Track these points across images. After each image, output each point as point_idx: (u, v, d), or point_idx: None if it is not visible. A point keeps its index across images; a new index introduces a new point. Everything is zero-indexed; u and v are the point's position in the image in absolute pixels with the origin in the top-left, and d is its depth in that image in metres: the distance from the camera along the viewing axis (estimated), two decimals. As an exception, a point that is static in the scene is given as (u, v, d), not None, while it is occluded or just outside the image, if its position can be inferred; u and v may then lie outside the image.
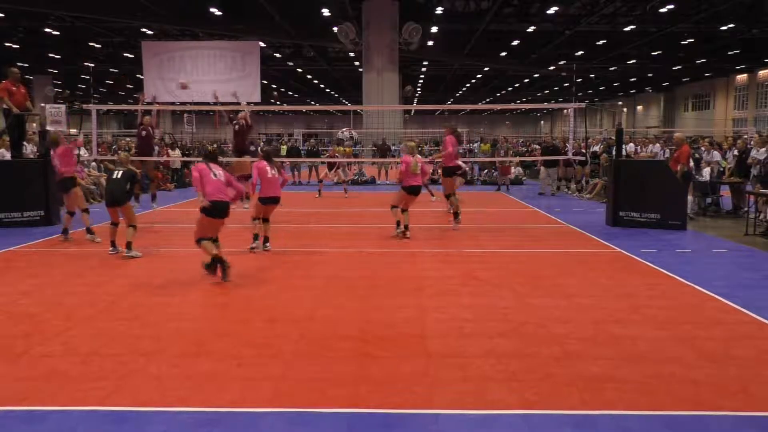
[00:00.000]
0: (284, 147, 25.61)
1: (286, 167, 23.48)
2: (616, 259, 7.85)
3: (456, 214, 10.26)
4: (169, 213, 12.84)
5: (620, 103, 58.71)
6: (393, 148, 23.72)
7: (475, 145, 28.93)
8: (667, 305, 5.69)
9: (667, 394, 3.74)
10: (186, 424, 3.39)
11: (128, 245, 7.83)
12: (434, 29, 27.38)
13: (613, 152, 11.69)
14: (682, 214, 10.16)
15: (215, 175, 6.64)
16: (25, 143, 11.86)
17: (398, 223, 9.33)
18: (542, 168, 17.22)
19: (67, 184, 9.01)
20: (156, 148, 14.38)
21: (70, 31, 29.21)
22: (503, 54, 35.56)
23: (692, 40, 31.05)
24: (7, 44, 31.31)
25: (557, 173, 16.93)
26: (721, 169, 13.69)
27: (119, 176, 7.82)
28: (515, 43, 31.67)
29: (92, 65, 34.84)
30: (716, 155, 13.74)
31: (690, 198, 11.35)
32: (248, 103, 25.29)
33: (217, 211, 6.51)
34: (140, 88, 29.13)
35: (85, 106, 14.09)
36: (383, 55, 24.88)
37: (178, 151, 20.47)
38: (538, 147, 24.13)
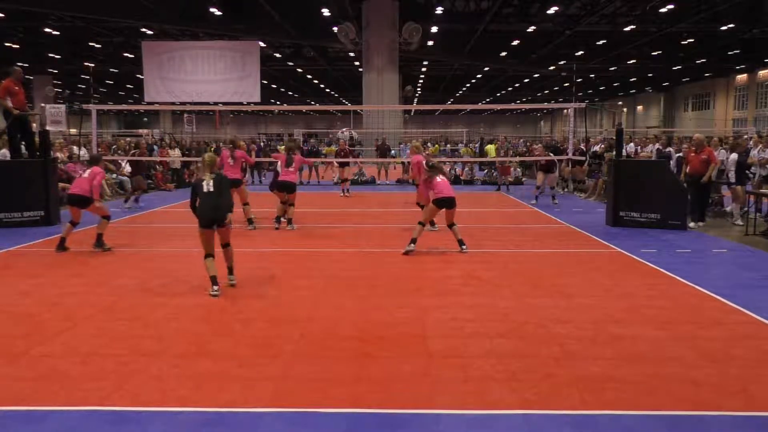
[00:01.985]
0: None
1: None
2: (616, 259, 7.85)
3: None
4: (169, 213, 12.84)
5: (620, 103, 58.73)
6: (394, 150, 23.65)
7: (460, 146, 29.06)
8: (667, 305, 5.69)
9: (667, 394, 3.74)
10: (186, 424, 3.39)
11: (230, 270, 6.40)
12: (434, 29, 27.39)
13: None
14: (682, 214, 10.14)
15: (82, 174, 8.28)
16: (23, 143, 11.80)
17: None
18: (539, 174, 17.13)
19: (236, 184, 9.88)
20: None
21: (70, 31, 29.20)
22: (503, 54, 35.56)
23: (692, 40, 31.07)
24: (7, 44, 31.31)
25: (563, 173, 16.92)
26: (723, 168, 13.65)
27: (212, 188, 6.11)
28: (515, 43, 31.68)
29: (92, 65, 34.84)
30: (723, 153, 13.64)
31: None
32: (248, 103, 25.24)
33: (70, 200, 8.28)
34: (140, 88, 29.17)
35: (85, 106, 14.12)
36: (383, 55, 24.87)
37: (177, 151, 20.46)
38: (538, 146, 24.10)
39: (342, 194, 16.03)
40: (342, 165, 17.25)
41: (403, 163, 21.29)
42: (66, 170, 14.21)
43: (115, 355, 4.40)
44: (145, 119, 70.89)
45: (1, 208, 10.15)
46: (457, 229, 8.35)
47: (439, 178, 8.31)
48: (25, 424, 3.38)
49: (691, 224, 10.34)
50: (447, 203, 8.14)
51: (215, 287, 5.98)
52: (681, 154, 12.95)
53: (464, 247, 8.27)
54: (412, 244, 8.12)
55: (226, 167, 10.01)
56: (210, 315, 5.40)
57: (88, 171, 8.26)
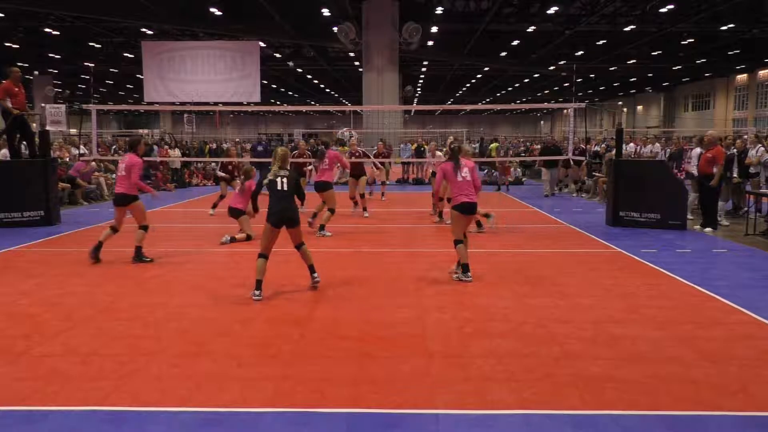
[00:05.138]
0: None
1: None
2: (616, 259, 7.85)
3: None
4: (169, 213, 12.84)
5: (620, 103, 58.72)
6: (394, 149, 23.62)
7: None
8: (667, 305, 5.69)
9: (667, 394, 3.74)
10: (186, 424, 3.39)
11: (311, 268, 6.19)
12: (434, 29, 27.36)
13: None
14: (682, 214, 10.14)
15: None
16: (24, 143, 11.81)
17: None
18: (543, 169, 17.22)
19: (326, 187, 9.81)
20: None
21: (70, 31, 29.19)
22: (503, 54, 35.55)
23: (692, 40, 31.05)
24: (7, 44, 31.30)
25: (558, 174, 16.94)
26: None
27: (285, 186, 5.97)
28: (515, 43, 31.66)
29: (92, 65, 34.84)
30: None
31: (721, 202, 10.67)
32: (248, 103, 24.99)
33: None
34: (140, 88, 29.15)
35: (85, 106, 14.11)
36: (383, 55, 24.87)
37: (177, 151, 20.47)
38: (538, 147, 24.14)
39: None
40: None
41: (402, 163, 21.36)
42: (65, 170, 14.23)
43: (115, 355, 4.40)
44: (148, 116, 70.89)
45: (1, 208, 10.16)
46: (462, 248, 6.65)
47: (459, 177, 6.50)
48: (25, 424, 3.38)
49: (707, 229, 9.87)
50: (467, 209, 6.57)
51: (257, 291, 5.85)
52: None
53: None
54: (464, 274, 6.59)
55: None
56: (210, 315, 5.40)
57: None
